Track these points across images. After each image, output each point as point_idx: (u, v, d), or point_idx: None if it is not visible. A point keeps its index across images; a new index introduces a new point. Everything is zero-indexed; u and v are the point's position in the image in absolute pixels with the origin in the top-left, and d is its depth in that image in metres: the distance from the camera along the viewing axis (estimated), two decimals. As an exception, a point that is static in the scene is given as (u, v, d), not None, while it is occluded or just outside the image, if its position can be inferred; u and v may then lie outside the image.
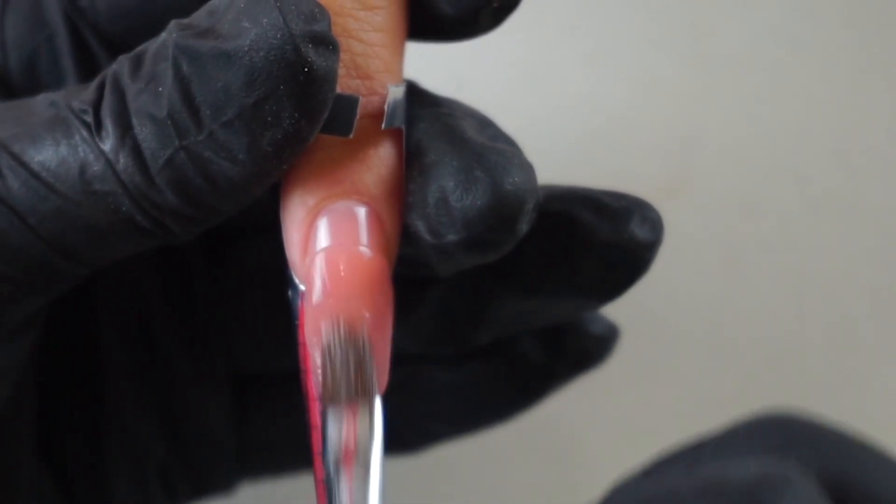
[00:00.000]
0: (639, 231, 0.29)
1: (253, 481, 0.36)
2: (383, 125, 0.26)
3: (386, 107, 0.26)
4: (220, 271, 0.34)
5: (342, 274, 0.26)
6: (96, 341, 0.33)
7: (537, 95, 0.47)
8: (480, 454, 0.42)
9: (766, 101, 0.47)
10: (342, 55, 0.25)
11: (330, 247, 0.26)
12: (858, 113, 0.47)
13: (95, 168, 0.25)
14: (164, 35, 0.26)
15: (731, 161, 0.47)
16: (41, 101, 0.27)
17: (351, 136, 0.26)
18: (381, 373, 0.26)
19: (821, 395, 0.46)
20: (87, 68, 0.30)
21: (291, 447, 0.34)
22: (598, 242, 0.29)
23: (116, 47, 0.30)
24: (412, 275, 0.30)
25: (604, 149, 0.47)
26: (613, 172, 0.47)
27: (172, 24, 0.25)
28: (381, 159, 0.27)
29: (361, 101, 0.26)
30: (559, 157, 0.46)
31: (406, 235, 0.27)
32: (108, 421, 0.33)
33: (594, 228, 0.29)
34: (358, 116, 0.26)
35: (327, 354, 0.26)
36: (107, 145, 0.25)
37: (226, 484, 0.35)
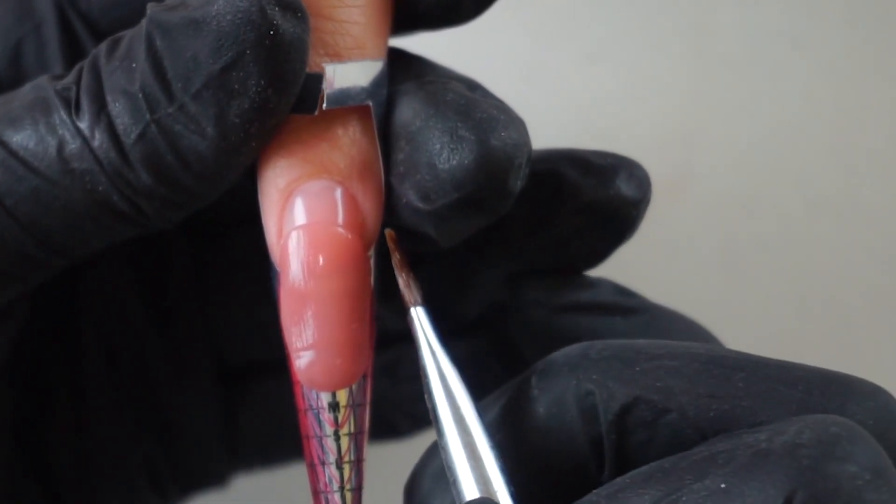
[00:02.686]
0: (625, 188, 0.28)
1: (246, 473, 0.36)
2: (324, 105, 0.26)
3: (323, 85, 0.26)
4: (204, 263, 0.34)
5: (316, 252, 0.26)
6: (77, 338, 0.33)
7: (537, 95, 0.47)
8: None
9: (765, 101, 0.47)
10: (311, 34, 0.25)
11: (302, 226, 0.26)
12: (858, 113, 0.47)
13: (73, 146, 0.26)
14: (142, 20, 0.26)
15: (731, 160, 0.47)
16: (27, 86, 0.27)
17: (316, 113, 0.26)
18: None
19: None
20: (74, 58, 0.30)
21: (283, 436, 0.34)
22: (584, 200, 0.28)
23: (105, 37, 0.30)
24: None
25: (604, 148, 0.47)
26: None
27: (149, 5, 0.26)
28: (350, 138, 0.27)
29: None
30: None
31: (402, 207, 0.27)
32: (90, 417, 0.33)
33: (580, 186, 0.28)
34: (322, 93, 0.26)
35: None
36: (83, 123, 0.26)
37: (217, 476, 0.35)
